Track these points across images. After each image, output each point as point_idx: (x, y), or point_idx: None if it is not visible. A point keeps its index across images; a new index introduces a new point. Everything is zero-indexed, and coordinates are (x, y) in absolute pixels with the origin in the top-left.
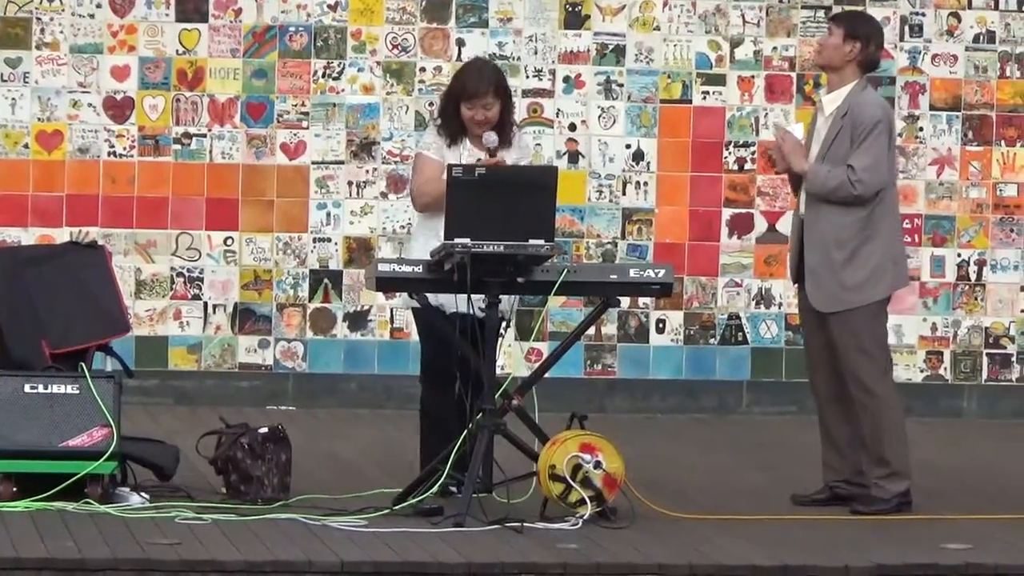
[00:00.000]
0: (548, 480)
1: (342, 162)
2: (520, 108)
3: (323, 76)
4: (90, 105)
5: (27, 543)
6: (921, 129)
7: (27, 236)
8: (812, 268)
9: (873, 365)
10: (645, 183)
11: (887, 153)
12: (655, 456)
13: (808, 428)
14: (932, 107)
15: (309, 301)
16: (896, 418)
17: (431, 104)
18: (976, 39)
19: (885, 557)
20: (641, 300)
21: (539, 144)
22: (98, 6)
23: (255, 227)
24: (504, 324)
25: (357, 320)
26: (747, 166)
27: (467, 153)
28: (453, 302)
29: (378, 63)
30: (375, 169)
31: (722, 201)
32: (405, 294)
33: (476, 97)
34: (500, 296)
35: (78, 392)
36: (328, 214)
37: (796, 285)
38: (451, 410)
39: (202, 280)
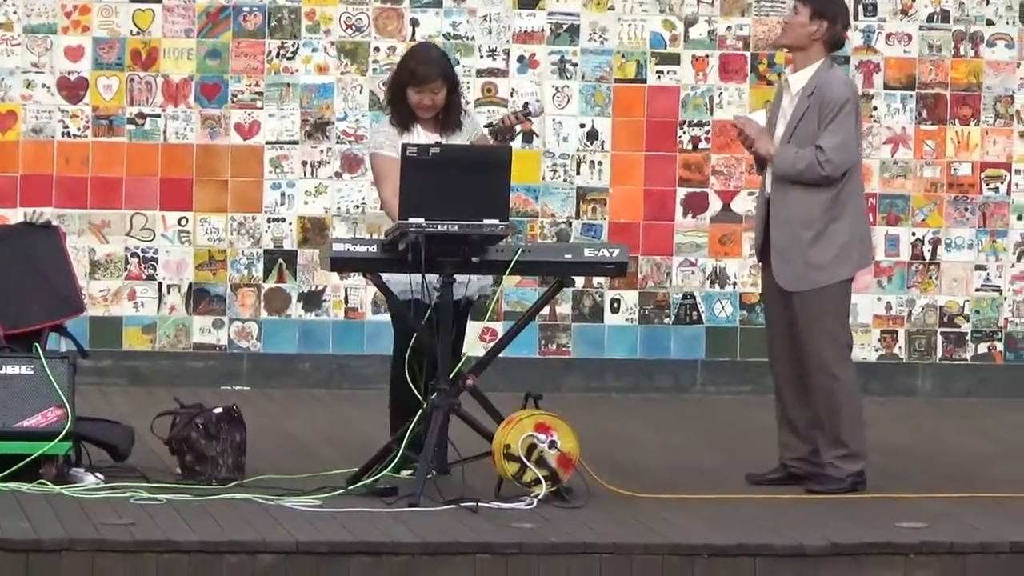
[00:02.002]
0: (503, 460)
1: (296, 142)
2: (474, 88)
3: (277, 56)
4: (44, 86)
5: None
6: (875, 108)
7: None
8: (778, 247)
9: (835, 346)
10: (599, 163)
11: (855, 132)
12: (610, 435)
13: (763, 407)
14: (886, 86)
15: (263, 281)
16: (855, 400)
17: (384, 84)
18: (930, 18)
19: (840, 535)
20: (596, 280)
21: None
22: None
23: (209, 207)
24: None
25: (311, 300)
26: (701, 145)
27: (420, 139)
28: (425, 295)
29: (332, 43)
30: (329, 149)
31: (676, 180)
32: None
33: (425, 82)
34: (455, 276)
35: (32, 373)
36: (282, 194)
37: (760, 264)
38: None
39: (156, 260)
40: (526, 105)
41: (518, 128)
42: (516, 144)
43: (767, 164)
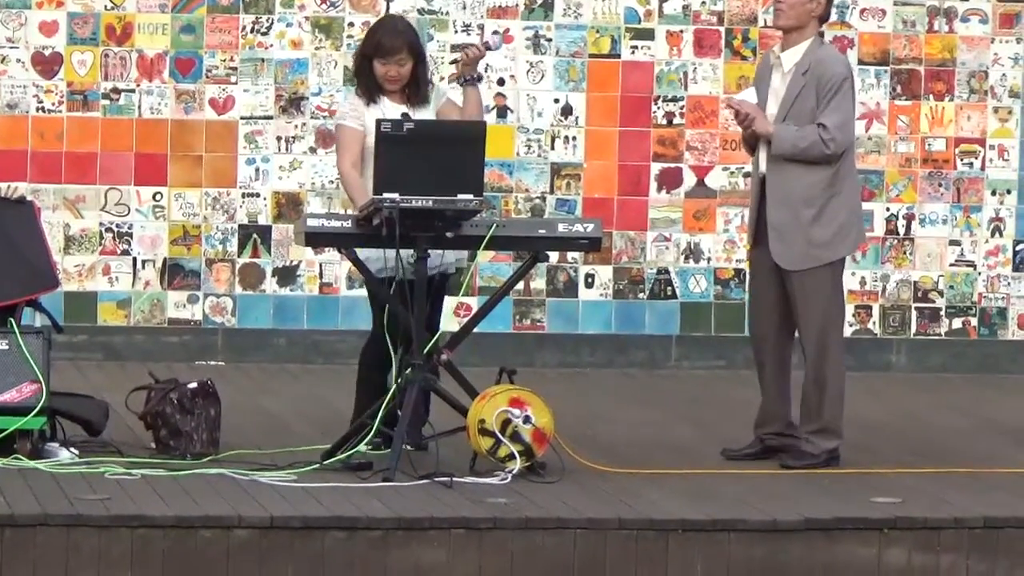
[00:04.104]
0: (477, 435)
1: (271, 117)
2: (448, 62)
3: (251, 31)
4: (18, 61)
5: None
6: None
7: None
8: (777, 226)
9: (830, 323)
10: (574, 138)
11: (853, 110)
12: (584, 410)
13: (736, 382)
14: (861, 62)
15: (238, 256)
16: (840, 379)
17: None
18: None
19: (814, 511)
20: (570, 255)
21: None
22: None
23: (184, 182)
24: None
25: (286, 275)
26: (676, 120)
27: (387, 111)
28: (399, 270)
29: (306, 18)
30: (304, 124)
31: (651, 156)
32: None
33: (391, 54)
34: (429, 251)
35: (7, 348)
36: (257, 169)
37: (751, 244)
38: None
39: (131, 235)
40: (485, 44)
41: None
42: (490, 119)
43: (758, 144)
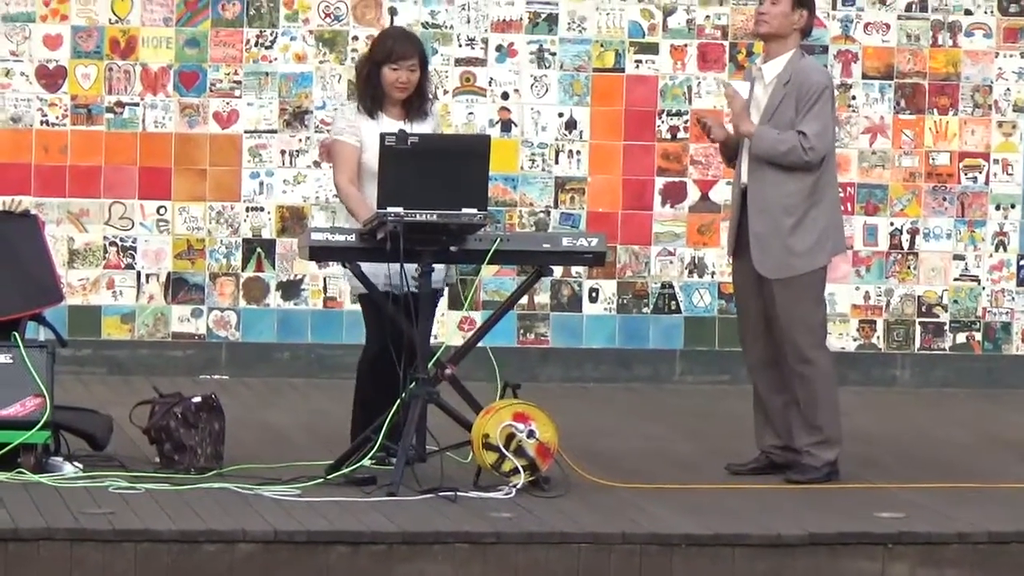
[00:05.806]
0: (482, 449)
1: (275, 131)
2: (453, 77)
3: (256, 45)
4: (22, 74)
5: None
6: (854, 98)
7: None
8: (758, 235)
9: (812, 332)
10: (578, 152)
11: (832, 119)
12: (588, 425)
13: (741, 397)
14: (865, 75)
15: (242, 270)
16: (831, 386)
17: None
18: (908, 7)
19: (818, 526)
20: (574, 269)
21: (472, 113)
22: None
23: (188, 196)
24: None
25: (290, 289)
26: (680, 135)
27: (384, 127)
28: (387, 279)
29: (310, 32)
30: (308, 138)
31: (655, 170)
32: (350, 279)
33: (404, 59)
34: (434, 265)
35: (11, 362)
36: (261, 183)
37: (732, 254)
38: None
39: (135, 249)
40: None
41: None
42: (494, 133)
43: (737, 156)
